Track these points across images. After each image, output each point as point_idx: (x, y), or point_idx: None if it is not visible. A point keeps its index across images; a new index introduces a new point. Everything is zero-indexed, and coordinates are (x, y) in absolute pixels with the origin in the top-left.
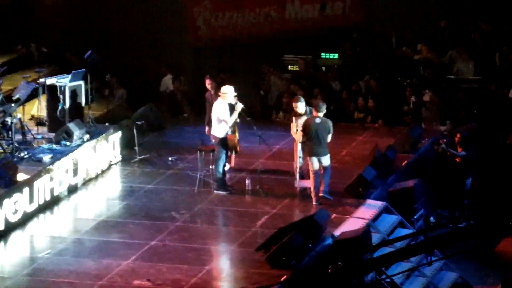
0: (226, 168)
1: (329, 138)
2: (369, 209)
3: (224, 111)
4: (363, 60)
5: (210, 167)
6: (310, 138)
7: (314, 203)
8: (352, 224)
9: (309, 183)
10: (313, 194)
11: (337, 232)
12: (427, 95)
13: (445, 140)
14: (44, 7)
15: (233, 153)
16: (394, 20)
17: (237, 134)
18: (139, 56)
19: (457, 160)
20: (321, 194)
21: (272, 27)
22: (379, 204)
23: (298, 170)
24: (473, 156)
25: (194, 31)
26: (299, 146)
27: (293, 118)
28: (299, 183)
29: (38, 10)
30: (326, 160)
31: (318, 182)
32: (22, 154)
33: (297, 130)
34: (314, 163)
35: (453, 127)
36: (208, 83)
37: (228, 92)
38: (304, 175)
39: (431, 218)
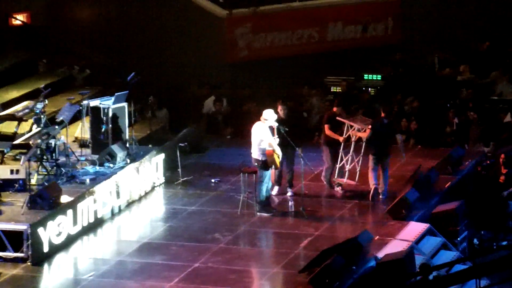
0: (274, 191)
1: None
2: (412, 231)
3: (268, 134)
4: (405, 82)
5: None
6: (376, 139)
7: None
8: (395, 246)
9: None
10: (371, 191)
11: (380, 254)
12: (472, 116)
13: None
14: (84, 27)
15: (272, 168)
16: (436, 41)
17: (279, 153)
18: (178, 76)
19: (500, 181)
20: (381, 197)
21: (314, 48)
22: (422, 226)
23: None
24: None
25: (234, 52)
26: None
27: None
28: (346, 181)
29: (78, 31)
30: (387, 161)
31: (376, 180)
32: (65, 176)
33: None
34: (376, 163)
35: (496, 149)
36: (280, 109)
37: (270, 117)
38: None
39: (475, 240)
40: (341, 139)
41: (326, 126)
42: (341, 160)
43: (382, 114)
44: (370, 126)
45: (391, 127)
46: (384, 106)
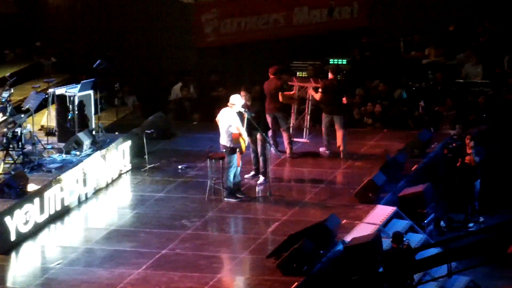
0: (250, 175)
1: None
2: (379, 214)
3: (236, 119)
4: (371, 65)
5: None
6: (328, 98)
7: (327, 151)
8: (363, 229)
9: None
10: (325, 145)
11: (348, 238)
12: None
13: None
14: (51, 14)
15: (238, 151)
16: (402, 25)
17: (245, 138)
18: (147, 62)
19: (465, 161)
20: (341, 149)
21: (280, 33)
22: (390, 209)
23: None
24: (482, 157)
25: (201, 38)
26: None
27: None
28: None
29: (46, 17)
30: (341, 120)
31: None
32: (32, 165)
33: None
34: (329, 121)
35: (463, 131)
36: (242, 95)
37: (237, 102)
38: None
39: (442, 223)
40: (294, 93)
41: (280, 94)
42: (296, 119)
43: (331, 75)
44: (320, 89)
45: (341, 87)
46: (332, 67)
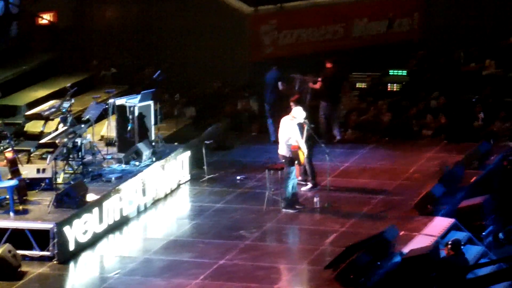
0: (307, 187)
1: None
2: (438, 226)
3: (296, 131)
4: (430, 77)
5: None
6: (328, 88)
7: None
8: (421, 241)
9: None
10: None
11: (405, 250)
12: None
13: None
14: (108, 26)
15: (296, 163)
16: (461, 36)
17: (304, 150)
18: (203, 73)
19: None
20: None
21: (339, 44)
22: (448, 221)
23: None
24: None
25: (259, 49)
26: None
27: None
28: None
29: (102, 30)
30: (338, 108)
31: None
32: (91, 174)
33: None
34: (328, 109)
35: None
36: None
37: (299, 115)
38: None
39: (500, 235)
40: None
41: (281, 83)
42: None
43: (329, 65)
44: (320, 79)
45: (339, 76)
46: (328, 58)
